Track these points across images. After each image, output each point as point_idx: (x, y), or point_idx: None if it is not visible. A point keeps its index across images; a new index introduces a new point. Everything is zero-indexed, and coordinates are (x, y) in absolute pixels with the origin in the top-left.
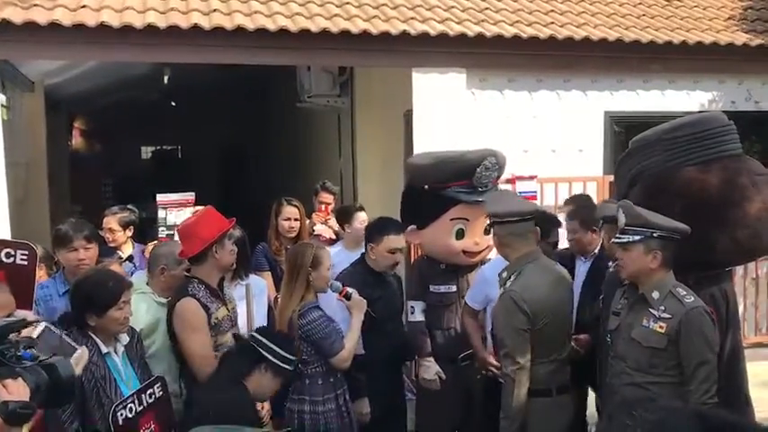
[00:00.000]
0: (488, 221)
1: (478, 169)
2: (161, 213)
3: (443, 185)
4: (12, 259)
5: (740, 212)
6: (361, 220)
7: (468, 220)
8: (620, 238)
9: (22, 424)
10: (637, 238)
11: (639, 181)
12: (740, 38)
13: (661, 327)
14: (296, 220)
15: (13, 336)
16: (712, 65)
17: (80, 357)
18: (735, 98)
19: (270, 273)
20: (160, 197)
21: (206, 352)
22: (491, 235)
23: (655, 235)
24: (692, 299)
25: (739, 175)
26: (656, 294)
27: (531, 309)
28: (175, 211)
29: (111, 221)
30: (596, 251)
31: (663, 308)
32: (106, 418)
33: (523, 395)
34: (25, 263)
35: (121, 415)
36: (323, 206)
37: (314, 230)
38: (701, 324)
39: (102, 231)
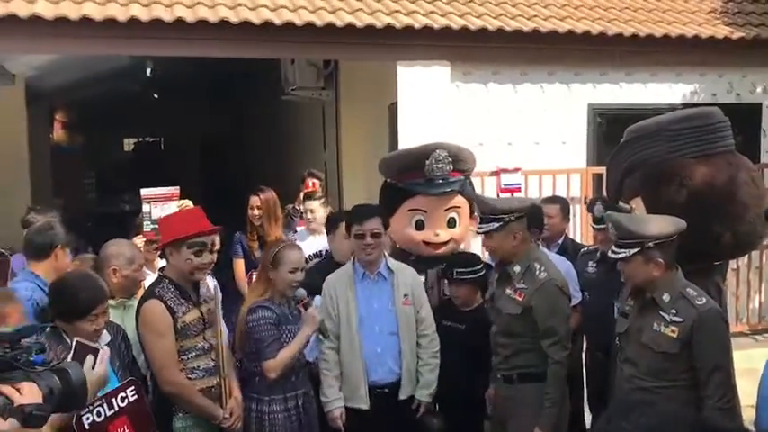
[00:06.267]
0: (503, 220)
1: (428, 162)
2: (145, 208)
3: (398, 178)
4: None
5: (741, 208)
6: (312, 207)
7: (425, 211)
8: (617, 252)
9: (38, 426)
10: (633, 251)
11: (639, 170)
12: (721, 31)
13: (673, 331)
14: (258, 208)
15: (25, 341)
16: (694, 58)
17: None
18: (716, 90)
19: (243, 260)
20: (144, 191)
21: (168, 358)
22: (456, 228)
23: (650, 245)
24: (704, 300)
25: (740, 171)
26: (666, 297)
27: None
28: (161, 205)
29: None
30: (560, 241)
31: (674, 311)
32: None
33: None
34: None
35: (87, 419)
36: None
37: (297, 212)
38: (714, 327)
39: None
